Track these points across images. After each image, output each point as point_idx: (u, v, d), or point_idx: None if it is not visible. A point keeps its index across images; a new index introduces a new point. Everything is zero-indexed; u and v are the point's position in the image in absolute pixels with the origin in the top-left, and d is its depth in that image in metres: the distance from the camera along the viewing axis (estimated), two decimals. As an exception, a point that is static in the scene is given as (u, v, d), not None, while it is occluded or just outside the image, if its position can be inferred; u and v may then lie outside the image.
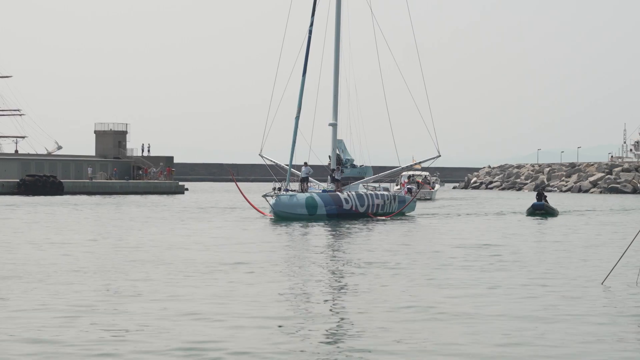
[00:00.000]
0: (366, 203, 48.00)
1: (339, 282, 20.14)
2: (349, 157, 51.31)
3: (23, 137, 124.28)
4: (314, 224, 41.17)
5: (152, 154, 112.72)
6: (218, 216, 48.01)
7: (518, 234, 36.52)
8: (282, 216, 44.21)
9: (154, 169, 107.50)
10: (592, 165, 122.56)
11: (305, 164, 47.76)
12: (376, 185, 52.16)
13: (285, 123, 49.60)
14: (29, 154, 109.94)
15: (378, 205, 48.74)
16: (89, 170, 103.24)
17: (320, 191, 47.53)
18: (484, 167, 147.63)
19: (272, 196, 44.72)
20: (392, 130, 51.20)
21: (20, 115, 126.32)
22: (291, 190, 46.18)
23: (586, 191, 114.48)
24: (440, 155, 51.05)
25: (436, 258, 25.09)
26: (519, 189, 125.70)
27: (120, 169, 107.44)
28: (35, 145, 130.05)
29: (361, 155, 51.73)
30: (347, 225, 40.39)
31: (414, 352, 12.24)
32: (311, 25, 47.09)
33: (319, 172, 51.92)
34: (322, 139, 50.33)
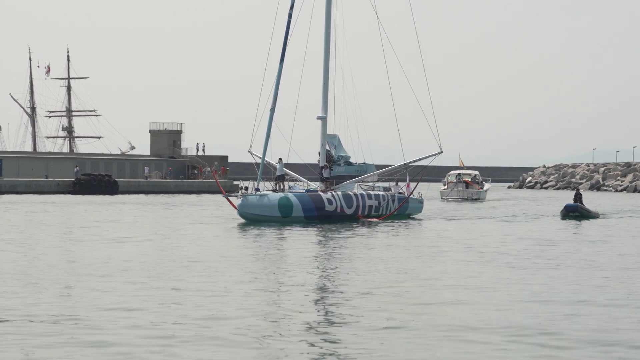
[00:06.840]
0: (355, 204, 39.85)
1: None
2: (343, 154, 42.99)
3: (99, 138, 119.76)
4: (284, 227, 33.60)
5: (207, 153, 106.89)
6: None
7: (540, 238, 29.98)
8: (250, 219, 36.61)
9: (209, 168, 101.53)
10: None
11: (280, 160, 40.02)
12: (372, 184, 43.61)
13: (281, 118, 41.95)
14: (83, 153, 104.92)
15: (371, 206, 40.52)
16: (146, 169, 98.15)
17: (304, 191, 39.57)
18: (539, 167, 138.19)
19: (236, 197, 37.13)
20: (397, 124, 43.07)
21: (96, 116, 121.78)
22: (272, 190, 38.59)
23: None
24: (442, 152, 42.47)
25: (422, 260, 21.67)
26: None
27: (174, 168, 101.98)
28: (110, 145, 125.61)
29: (361, 152, 43.34)
30: (332, 228, 33.34)
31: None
32: (291, 8, 39.15)
33: (301, 170, 44.14)
34: (312, 133, 42.45)
